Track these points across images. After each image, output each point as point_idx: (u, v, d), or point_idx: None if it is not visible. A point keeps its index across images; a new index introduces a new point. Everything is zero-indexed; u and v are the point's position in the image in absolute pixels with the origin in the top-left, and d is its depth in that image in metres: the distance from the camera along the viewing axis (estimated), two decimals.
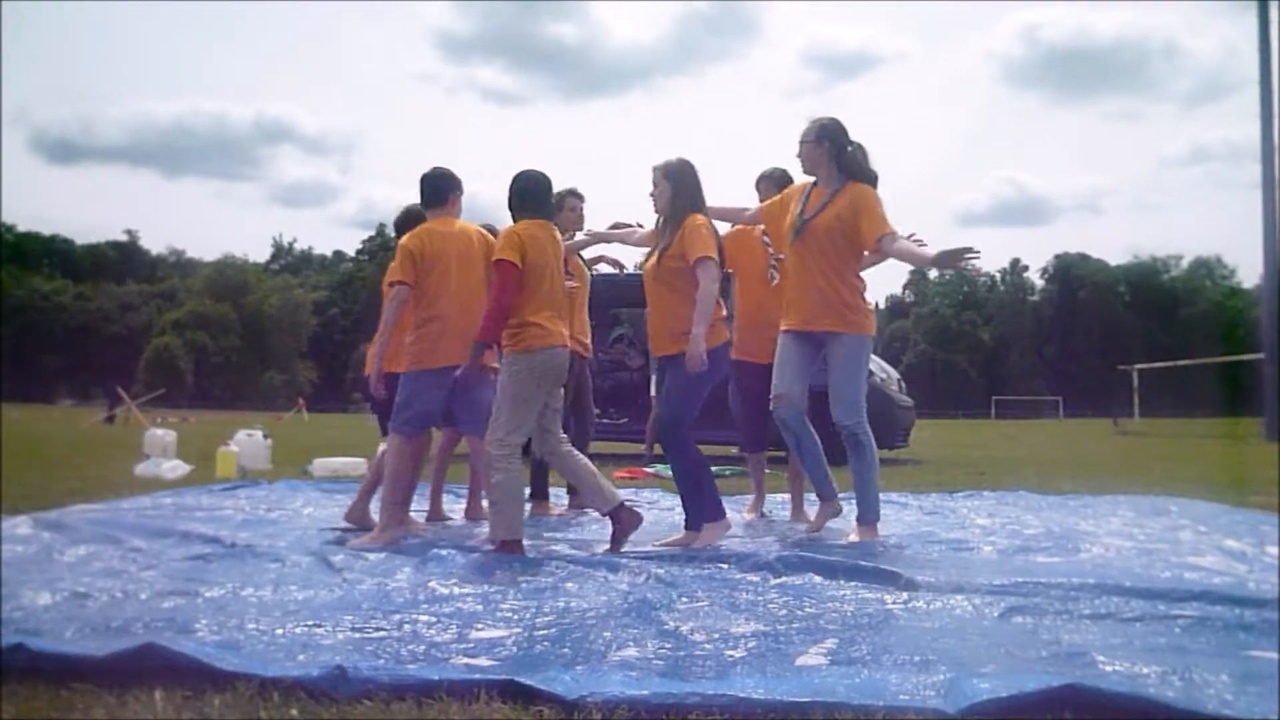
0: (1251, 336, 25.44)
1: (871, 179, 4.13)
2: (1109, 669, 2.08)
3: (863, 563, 3.29)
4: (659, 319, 4.01)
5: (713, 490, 4.00)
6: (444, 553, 3.61)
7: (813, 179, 4.22)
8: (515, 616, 2.64)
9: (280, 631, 2.44)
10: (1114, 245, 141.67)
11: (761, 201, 4.73)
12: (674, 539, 3.96)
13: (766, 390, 4.31)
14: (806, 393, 4.20)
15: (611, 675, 2.04)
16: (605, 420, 10.18)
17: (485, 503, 4.04)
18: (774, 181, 4.85)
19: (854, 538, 4.08)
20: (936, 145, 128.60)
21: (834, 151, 4.11)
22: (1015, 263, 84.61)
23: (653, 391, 6.18)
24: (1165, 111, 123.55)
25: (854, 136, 4.16)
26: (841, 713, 1.82)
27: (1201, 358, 33.58)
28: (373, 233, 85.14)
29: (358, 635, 2.42)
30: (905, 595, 2.89)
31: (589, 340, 5.39)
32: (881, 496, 5.81)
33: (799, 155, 4.20)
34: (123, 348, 62.20)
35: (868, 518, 4.15)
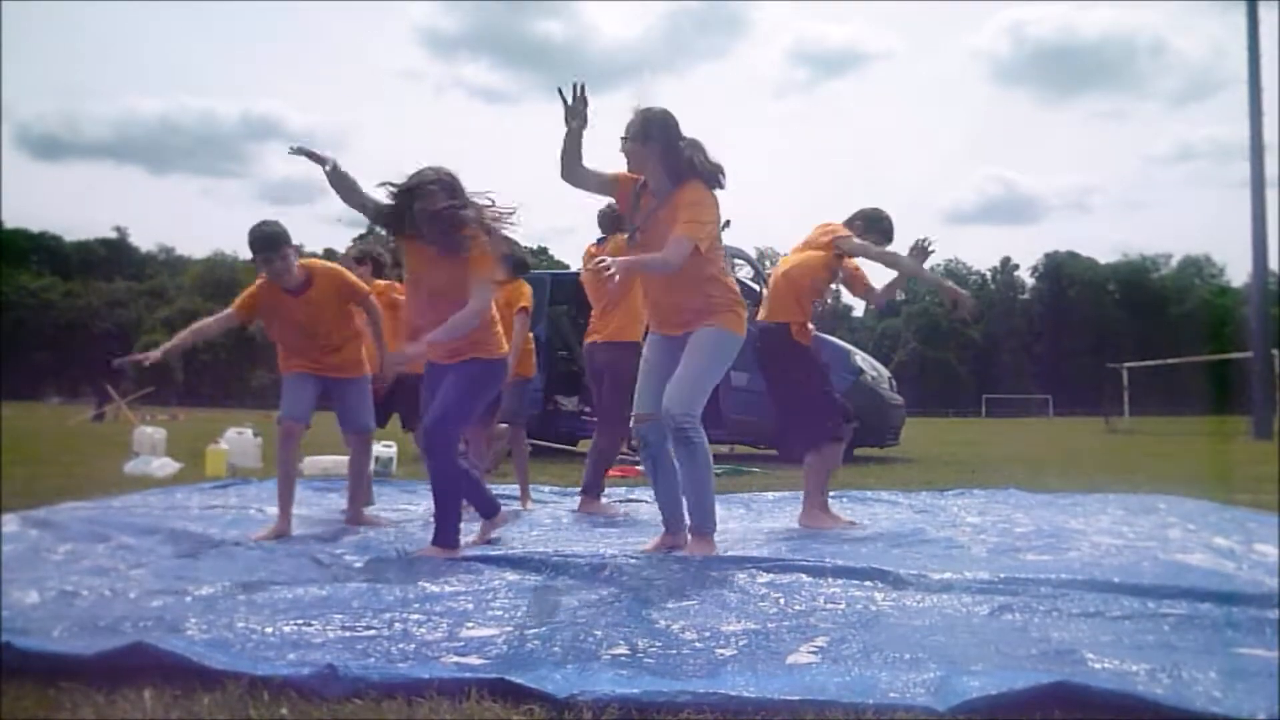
0: (1240, 335, 25.56)
1: (709, 177, 3.63)
2: (1098, 666, 2.09)
3: (853, 561, 3.30)
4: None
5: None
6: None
7: (639, 178, 3.73)
8: (506, 615, 2.63)
9: (270, 630, 2.43)
10: (1103, 244, 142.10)
11: (856, 237, 4.48)
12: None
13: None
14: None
15: (602, 674, 2.03)
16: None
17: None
18: (869, 222, 4.62)
19: (690, 551, 3.64)
20: (925, 143, 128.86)
21: (662, 150, 3.60)
22: (1005, 261, 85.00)
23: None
24: (1152, 110, 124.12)
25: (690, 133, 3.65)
26: (832, 710, 1.82)
27: (1190, 356, 33.68)
28: (363, 230, 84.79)
29: (348, 634, 2.41)
30: (895, 593, 2.89)
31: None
32: (872, 495, 5.89)
33: (623, 151, 3.68)
34: (112, 345, 61.88)
35: (703, 529, 3.70)
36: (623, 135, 3.66)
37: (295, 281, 4.28)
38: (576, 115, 3.49)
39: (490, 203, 3.71)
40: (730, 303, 3.72)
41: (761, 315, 4.65)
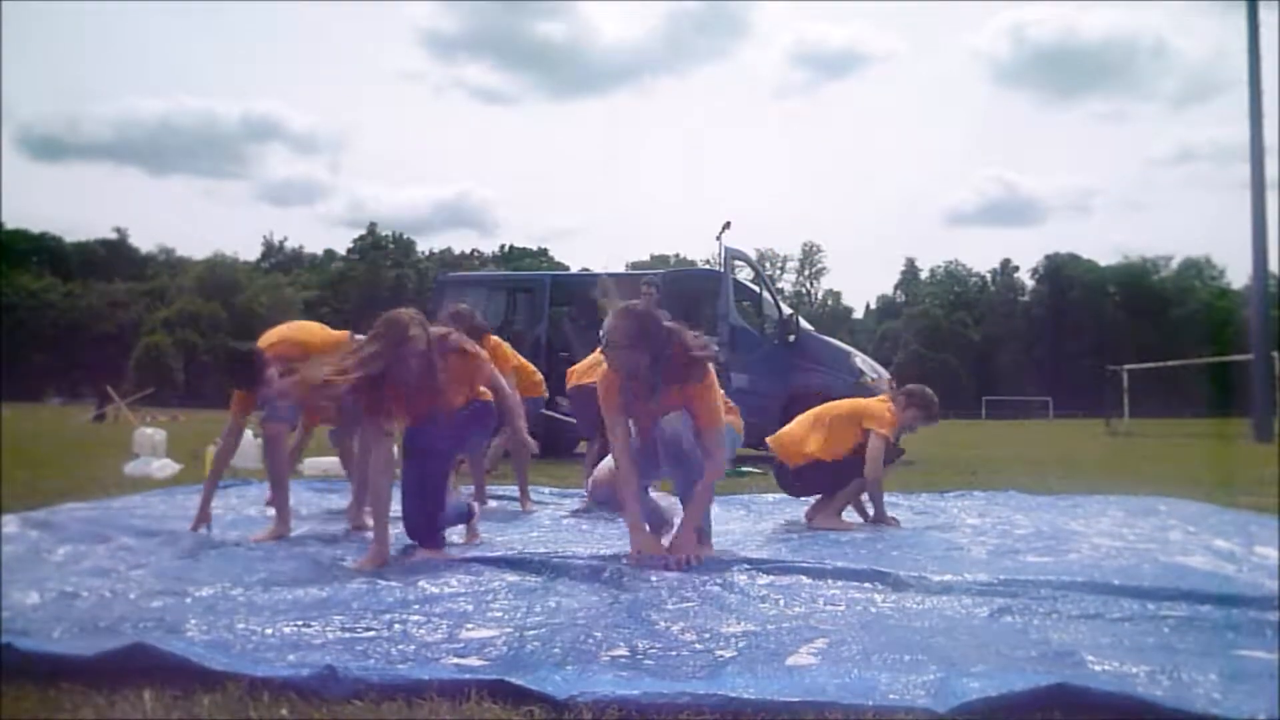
0: (1240, 337, 25.54)
1: (694, 372, 3.56)
2: (1098, 668, 2.09)
3: (852, 563, 3.30)
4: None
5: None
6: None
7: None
8: (505, 616, 2.63)
9: (270, 631, 2.43)
10: (1103, 245, 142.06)
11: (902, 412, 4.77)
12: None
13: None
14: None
15: (602, 675, 2.04)
16: None
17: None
18: (911, 397, 4.84)
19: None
20: (925, 144, 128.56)
21: (651, 352, 3.50)
22: (1005, 263, 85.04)
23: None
24: (1153, 111, 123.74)
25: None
26: (831, 712, 1.82)
27: (1191, 358, 33.70)
28: (363, 231, 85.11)
29: (348, 635, 2.41)
30: (895, 595, 2.89)
31: None
32: None
33: (604, 354, 3.68)
34: (112, 346, 61.99)
35: (702, 537, 3.75)
36: (607, 343, 3.60)
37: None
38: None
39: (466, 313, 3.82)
40: (729, 410, 3.90)
41: (774, 445, 4.84)
